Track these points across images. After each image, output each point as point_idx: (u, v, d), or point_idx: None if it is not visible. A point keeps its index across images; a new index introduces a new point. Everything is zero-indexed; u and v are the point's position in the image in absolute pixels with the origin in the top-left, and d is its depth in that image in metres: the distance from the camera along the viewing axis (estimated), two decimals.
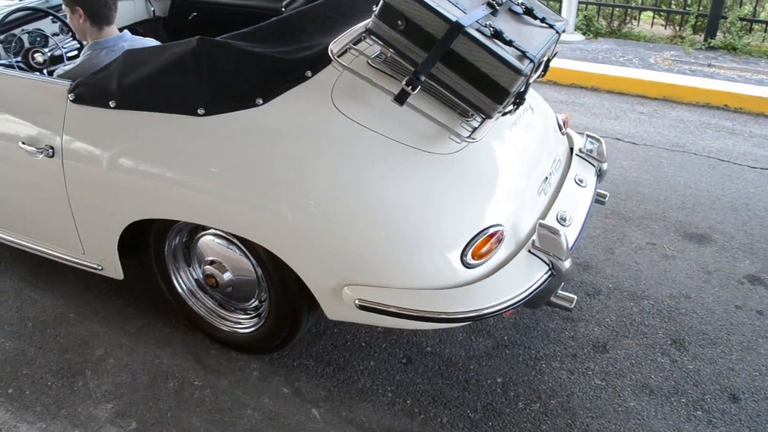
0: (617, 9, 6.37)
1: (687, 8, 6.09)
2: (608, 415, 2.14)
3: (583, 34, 6.26)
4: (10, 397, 2.23)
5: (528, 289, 1.98)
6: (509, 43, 1.95)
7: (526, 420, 2.13)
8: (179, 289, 2.39)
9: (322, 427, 2.11)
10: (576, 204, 2.37)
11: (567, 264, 2.03)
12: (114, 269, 2.39)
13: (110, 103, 2.13)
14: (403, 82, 1.91)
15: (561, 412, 2.16)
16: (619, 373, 2.31)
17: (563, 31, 2.38)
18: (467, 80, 1.95)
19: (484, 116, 2.00)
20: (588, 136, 2.72)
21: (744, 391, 2.23)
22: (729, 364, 2.34)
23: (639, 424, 2.11)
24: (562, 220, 2.24)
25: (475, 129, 2.01)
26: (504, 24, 2.10)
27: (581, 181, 2.49)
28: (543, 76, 2.42)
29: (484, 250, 1.96)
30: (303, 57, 2.09)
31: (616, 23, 6.46)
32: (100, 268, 2.43)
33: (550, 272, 2.03)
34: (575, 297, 2.12)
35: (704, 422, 2.11)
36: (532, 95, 2.66)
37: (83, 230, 2.34)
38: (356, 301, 1.93)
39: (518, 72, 1.88)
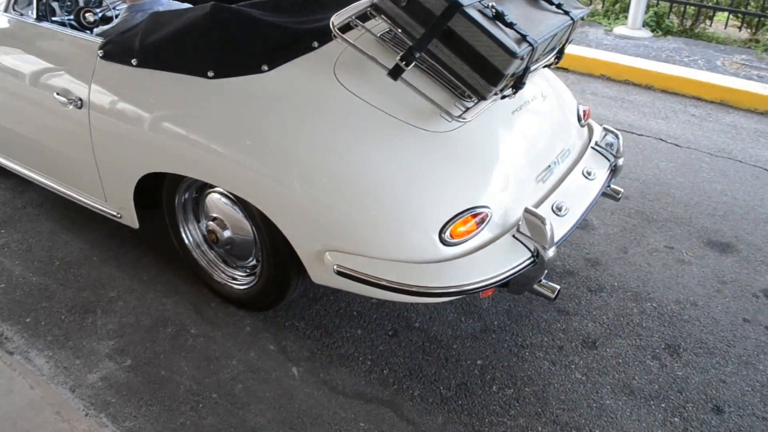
0: (690, 7, 6.08)
1: (765, 11, 5.74)
2: (581, 409, 2.13)
3: (652, 31, 6.03)
4: (26, 326, 2.44)
5: (504, 272, 2.00)
6: (510, 25, 1.96)
7: (496, 403, 2.15)
8: (186, 241, 2.53)
9: (298, 385, 2.20)
10: (578, 196, 2.35)
11: (550, 253, 2.03)
12: (130, 218, 2.56)
13: (132, 61, 2.27)
14: (398, 57, 1.95)
15: (533, 400, 2.16)
16: (603, 370, 2.28)
17: (581, 19, 2.35)
18: (463, 60, 1.97)
19: (478, 97, 2.02)
20: (605, 129, 2.67)
21: (730, 404, 2.16)
22: (721, 375, 2.27)
23: (610, 422, 2.09)
24: (557, 210, 2.23)
25: (467, 109, 2.03)
26: (511, 6, 2.10)
27: (589, 173, 2.45)
28: (556, 63, 2.40)
29: (463, 229, 1.98)
30: (312, 28, 2.16)
31: (688, 22, 6.17)
32: (119, 215, 2.60)
33: (532, 259, 2.04)
34: (558, 287, 2.11)
35: (680, 429, 2.07)
36: (549, 82, 2.63)
37: (105, 179, 2.51)
38: (335, 267, 2.00)
39: (513, 54, 1.89)
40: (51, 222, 3.06)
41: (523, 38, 1.97)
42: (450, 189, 2.02)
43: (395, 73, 1.98)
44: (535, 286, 2.13)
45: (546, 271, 2.09)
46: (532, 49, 1.97)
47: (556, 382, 2.24)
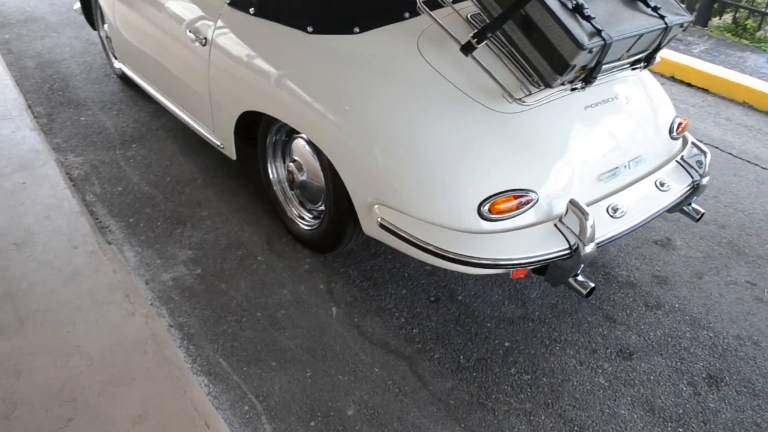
0: None
1: None
2: (591, 411, 2.12)
3: None
4: (128, 224, 2.85)
5: (536, 256, 2.04)
6: (587, 18, 1.98)
7: (508, 384, 2.20)
8: (271, 176, 2.80)
9: (333, 323, 2.39)
10: (642, 204, 2.30)
11: (588, 249, 2.04)
12: (230, 150, 2.88)
13: (251, 9, 2.55)
14: (470, 35, 2.05)
15: (546, 391, 2.19)
16: (630, 381, 2.24)
17: (681, 26, 2.27)
18: (534, 45, 2.03)
19: (544, 84, 2.06)
20: (694, 144, 2.55)
21: None
22: (757, 419, 2.14)
23: (618, 430, 2.06)
24: (612, 211, 2.21)
25: (530, 94, 2.08)
26: (600, 2, 2.10)
27: (663, 184, 2.38)
28: (645, 66, 2.35)
29: (503, 206, 2.05)
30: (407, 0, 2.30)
31: None
32: (222, 146, 2.93)
33: (568, 251, 2.06)
34: (593, 285, 2.11)
35: None
36: (643, 87, 2.56)
37: (215, 111, 2.84)
38: (379, 219, 2.16)
39: (580, 46, 1.92)
40: (174, 145, 3.48)
41: (598, 32, 1.97)
42: (499, 167, 2.09)
43: (467, 48, 2.08)
44: (570, 280, 2.15)
45: (582, 266, 2.10)
46: (604, 44, 1.98)
47: (576, 380, 2.23)
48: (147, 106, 3.86)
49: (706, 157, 2.50)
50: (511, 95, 2.07)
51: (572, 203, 2.07)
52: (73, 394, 1.96)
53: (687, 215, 2.59)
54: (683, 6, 2.33)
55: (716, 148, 3.80)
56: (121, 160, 3.32)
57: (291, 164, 2.65)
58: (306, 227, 2.71)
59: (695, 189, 2.48)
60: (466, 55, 2.09)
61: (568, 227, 2.09)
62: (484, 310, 2.51)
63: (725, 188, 3.40)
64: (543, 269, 2.19)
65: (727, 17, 5.73)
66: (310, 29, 2.38)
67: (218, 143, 2.95)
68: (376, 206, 2.18)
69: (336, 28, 2.35)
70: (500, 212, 2.06)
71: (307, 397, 2.11)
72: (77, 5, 4.25)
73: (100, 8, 3.87)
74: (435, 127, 2.12)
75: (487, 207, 2.04)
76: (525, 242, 2.07)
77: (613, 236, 2.18)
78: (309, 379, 2.17)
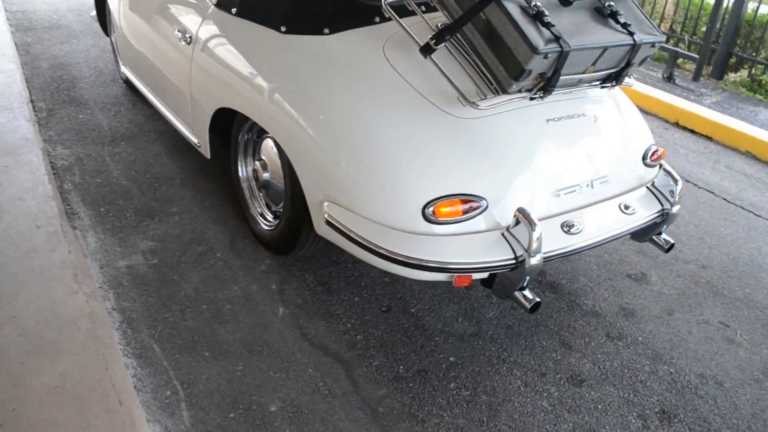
0: None
1: None
2: None
3: None
4: (98, 213, 2.88)
5: (479, 263, 1.98)
6: (547, 25, 1.97)
7: (445, 398, 2.11)
8: (239, 173, 2.81)
9: (277, 322, 2.35)
10: (602, 224, 2.24)
11: (533, 261, 1.98)
12: (205, 149, 2.90)
13: (233, 10, 2.61)
14: (429, 36, 2.05)
15: (484, 409, 2.09)
16: (575, 408, 2.13)
17: (652, 46, 2.24)
18: (492, 49, 2.02)
19: (500, 89, 2.05)
20: (666, 172, 2.48)
21: None
22: None
23: None
24: (567, 227, 2.15)
25: (485, 98, 2.06)
26: (566, 14, 2.10)
27: (627, 208, 2.31)
28: (614, 85, 2.31)
29: (446, 210, 2.01)
30: (379, 5, 2.33)
31: None
32: (198, 144, 2.97)
33: (513, 261, 2.00)
34: (537, 300, 2.04)
35: None
36: (617, 110, 2.52)
37: (193, 109, 2.89)
38: (326, 216, 2.13)
39: (534, 50, 1.91)
40: (162, 147, 3.54)
41: (556, 40, 1.96)
42: (450, 171, 2.06)
43: (425, 50, 2.09)
44: (516, 293, 2.08)
45: (528, 279, 2.03)
46: (561, 52, 1.96)
47: (518, 401, 2.13)
48: (145, 110, 3.94)
49: (677, 185, 2.43)
50: (465, 98, 2.06)
51: (520, 212, 2.02)
52: None
53: (656, 245, 2.51)
54: (656, 26, 2.31)
55: (710, 192, 3.70)
56: (107, 155, 3.37)
57: (257, 163, 2.66)
58: (267, 227, 2.69)
59: (664, 217, 2.41)
60: (425, 56, 2.10)
61: (515, 237, 2.04)
62: (435, 325, 2.43)
63: (713, 231, 3.28)
64: (490, 281, 2.12)
65: (744, 72, 5.66)
66: (283, 29, 2.42)
67: (195, 141, 2.98)
68: (326, 203, 2.16)
69: (307, 29, 2.38)
70: (445, 216, 2.01)
71: (233, 389, 2.05)
72: (93, 12, 4.42)
73: (111, 14, 4.02)
74: (390, 127, 2.11)
75: (431, 209, 2.00)
76: (469, 248, 2.02)
77: (564, 252, 2.12)
78: (239, 372, 2.12)
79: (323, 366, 2.18)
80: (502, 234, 2.05)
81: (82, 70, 4.46)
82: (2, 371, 1.92)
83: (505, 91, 2.07)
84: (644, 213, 2.37)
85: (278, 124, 2.31)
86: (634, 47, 2.20)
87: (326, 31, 2.36)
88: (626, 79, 2.42)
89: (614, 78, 2.29)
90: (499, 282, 2.10)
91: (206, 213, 2.96)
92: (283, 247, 2.60)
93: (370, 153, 2.09)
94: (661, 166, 2.57)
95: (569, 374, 2.27)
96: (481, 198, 2.05)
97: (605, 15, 2.22)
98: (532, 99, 2.13)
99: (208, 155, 2.92)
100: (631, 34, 2.19)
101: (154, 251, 2.66)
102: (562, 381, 2.24)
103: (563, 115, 2.29)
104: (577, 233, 2.16)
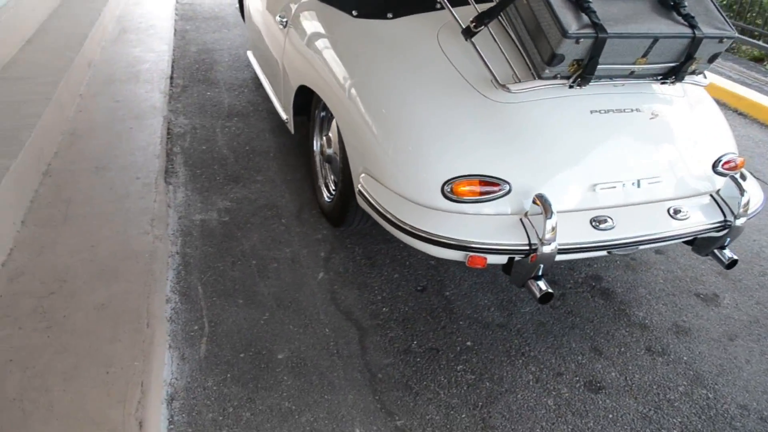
0: None
1: None
2: (521, 426, 1.97)
3: None
4: (194, 174, 3.24)
5: (490, 244, 1.98)
6: (586, 9, 1.93)
7: (447, 378, 2.13)
8: (314, 147, 3.01)
9: (313, 285, 2.50)
10: (641, 226, 2.11)
11: (545, 249, 1.95)
12: (290, 124, 3.15)
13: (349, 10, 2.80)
14: (471, 19, 2.10)
15: (483, 395, 2.07)
16: (581, 412, 2.03)
17: (719, 41, 2.09)
18: (529, 33, 2.03)
19: (535, 72, 2.04)
20: (734, 181, 2.26)
21: None
22: None
23: None
24: (597, 222, 2.06)
25: (518, 82, 2.05)
26: (623, 3, 2.04)
27: (677, 212, 2.16)
28: (672, 81, 2.18)
29: (465, 189, 2.03)
30: None
31: None
32: (286, 120, 3.22)
33: (526, 247, 1.97)
34: (549, 291, 1.99)
35: None
36: (688, 110, 2.35)
37: (284, 87, 3.15)
38: (359, 187, 2.25)
39: (563, 33, 1.89)
40: (268, 125, 3.86)
41: (594, 25, 1.91)
42: (475, 151, 2.08)
43: (467, 33, 2.13)
44: (529, 282, 2.04)
45: (542, 267, 1.99)
46: (595, 38, 1.90)
47: (522, 395, 2.08)
48: (264, 92, 4.32)
49: (743, 197, 2.21)
50: (497, 80, 2.06)
51: (539, 198, 1.98)
52: (68, 276, 2.31)
53: (718, 260, 2.30)
54: (729, 21, 2.13)
55: None
56: (218, 127, 3.76)
57: (324, 138, 2.84)
58: (327, 199, 2.86)
59: (726, 230, 2.21)
60: (466, 38, 2.14)
61: (532, 224, 2.01)
62: (465, 310, 2.44)
63: None
64: (509, 267, 2.10)
65: None
66: (354, 13, 2.57)
67: (284, 117, 3.24)
68: (362, 175, 2.27)
69: (374, 13, 2.52)
70: (462, 194, 2.04)
71: (252, 334, 2.24)
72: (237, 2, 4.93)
73: (244, 3, 4.46)
74: (423, 103, 2.18)
75: (450, 187, 2.04)
76: (484, 229, 2.02)
77: (587, 246, 2.03)
78: (263, 321, 2.30)
79: (340, 329, 2.29)
80: (521, 219, 2.03)
81: (223, 55, 4.98)
82: (67, 285, 2.27)
83: (539, 76, 2.05)
84: (699, 221, 2.18)
85: (335, 98, 2.46)
86: (694, 40, 2.05)
87: (390, 15, 2.48)
88: (695, 77, 2.26)
89: (674, 73, 2.15)
90: (516, 268, 2.07)
91: (285, 184, 3.21)
92: (336, 219, 2.75)
93: (401, 126, 2.17)
94: (737, 175, 2.34)
95: (589, 379, 2.17)
96: (504, 181, 2.04)
97: (668, 6, 2.10)
98: (570, 87, 2.08)
99: (292, 130, 3.16)
100: (692, 26, 2.05)
101: (228, 210, 2.95)
102: (578, 384, 2.14)
103: (612, 108, 2.19)
104: (608, 230, 2.06)
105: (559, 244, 1.99)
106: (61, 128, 3.35)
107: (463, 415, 2.00)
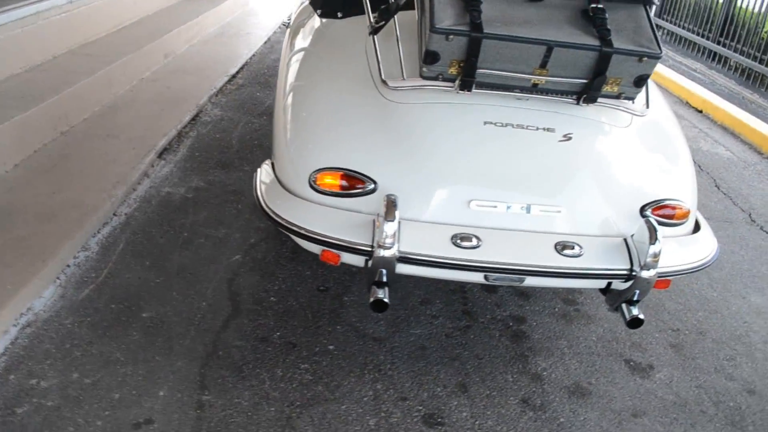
0: None
1: None
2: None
3: None
4: (192, 156, 3.46)
5: (332, 238, 1.91)
6: (473, 9, 1.84)
7: (285, 371, 2.08)
8: None
9: (222, 264, 2.57)
10: (516, 253, 1.90)
11: (382, 253, 1.84)
12: None
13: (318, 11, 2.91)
14: (372, 18, 2.11)
15: (307, 396, 1.99)
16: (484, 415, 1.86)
17: (639, 60, 1.88)
18: (421, 28, 1.98)
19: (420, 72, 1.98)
20: (648, 224, 1.91)
21: None
22: None
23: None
24: (459, 240, 1.90)
25: (403, 80, 2.00)
26: (532, 8, 1.93)
27: (565, 248, 1.91)
28: (586, 100, 1.96)
29: (326, 181, 1.99)
30: None
31: None
32: None
33: (368, 248, 1.88)
34: (380, 298, 1.86)
35: None
36: (627, 139, 2.11)
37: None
38: (255, 175, 2.28)
39: (431, 27, 1.83)
40: None
41: (475, 26, 1.81)
42: (347, 146, 2.03)
43: (371, 29, 2.12)
44: (372, 286, 1.93)
45: (384, 272, 1.87)
46: (469, 37, 1.80)
47: (348, 407, 1.96)
48: None
49: (651, 245, 1.89)
50: (381, 76, 2.03)
51: (387, 199, 1.87)
52: (13, 211, 2.59)
53: (622, 315, 1.99)
54: (659, 41, 1.89)
55: None
56: (243, 122, 3.99)
57: None
58: None
59: (631, 281, 1.91)
60: (369, 34, 2.13)
61: (381, 226, 1.90)
62: (351, 318, 2.35)
63: None
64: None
65: None
66: (319, 12, 2.66)
67: None
68: (264, 163, 2.30)
69: (330, 12, 2.60)
70: (324, 186, 2.00)
71: (135, 291, 2.35)
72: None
73: None
74: (326, 97, 2.20)
75: (315, 177, 2.00)
76: (335, 223, 1.95)
77: (441, 261, 1.87)
78: (153, 283, 2.41)
79: (217, 305, 2.32)
80: (373, 220, 1.93)
81: None
82: (7, 220, 2.54)
83: (421, 74, 1.97)
84: (595, 264, 1.92)
85: (279, 91, 2.54)
86: (601, 55, 1.85)
87: (339, 15, 2.52)
88: (627, 103, 2.02)
89: (585, 93, 1.94)
90: (365, 270, 1.97)
91: None
92: None
93: (299, 117, 2.18)
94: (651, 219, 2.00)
95: (433, 412, 1.98)
96: (370, 179, 1.96)
97: (586, 17, 1.92)
98: (459, 92, 1.96)
99: None
100: (604, 38, 1.85)
101: (198, 189, 3.11)
102: (417, 414, 1.96)
103: (513, 122, 2.01)
104: (469, 249, 1.88)
105: (407, 254, 1.86)
106: (101, 101, 3.77)
107: (272, 409, 1.92)
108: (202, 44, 5.32)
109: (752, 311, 2.65)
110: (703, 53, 6.53)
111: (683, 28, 6.94)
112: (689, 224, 2.15)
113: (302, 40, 2.67)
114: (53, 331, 2.12)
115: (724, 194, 3.72)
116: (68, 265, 2.42)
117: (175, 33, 4.86)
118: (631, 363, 2.28)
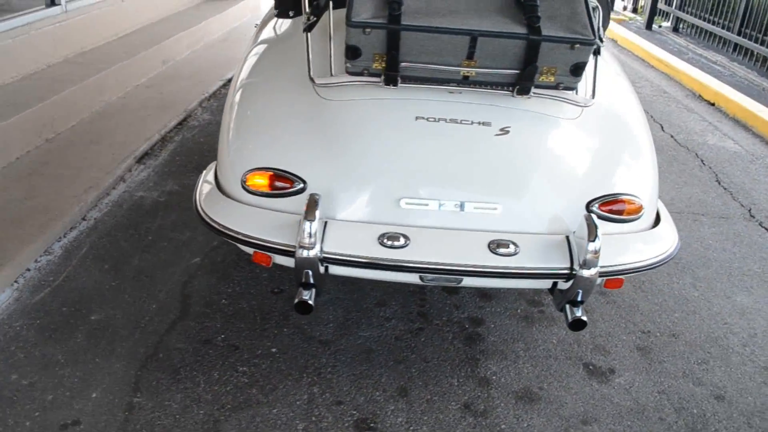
0: None
1: None
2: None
3: None
4: (172, 160, 3.48)
5: (256, 239, 1.88)
6: (392, 2, 1.79)
7: (222, 374, 2.05)
8: None
9: (180, 267, 2.56)
10: (447, 252, 1.82)
11: (301, 253, 1.79)
12: None
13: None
14: (304, 16, 2.08)
15: (240, 399, 1.96)
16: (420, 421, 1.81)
17: (571, 47, 1.80)
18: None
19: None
20: (587, 220, 1.80)
21: None
22: None
23: None
24: (387, 239, 1.83)
25: (331, 76, 1.97)
26: None
27: (499, 247, 1.83)
28: (520, 92, 1.88)
29: (256, 181, 1.96)
30: None
31: None
32: None
33: (290, 248, 1.84)
34: (304, 300, 1.82)
35: None
36: (568, 131, 2.02)
37: None
38: (199, 178, 2.26)
39: (347, 20, 1.79)
40: None
41: (393, 18, 1.76)
42: (277, 145, 2.00)
43: (305, 26, 2.09)
44: (300, 288, 1.88)
45: (310, 274, 1.82)
46: (386, 29, 1.75)
47: (279, 411, 1.92)
48: None
49: (591, 242, 1.78)
50: (309, 74, 1.99)
51: (310, 198, 1.82)
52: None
53: (565, 316, 1.89)
54: (595, 28, 1.79)
55: None
56: None
57: None
58: None
59: (571, 280, 1.82)
60: (303, 31, 2.09)
61: (305, 227, 1.85)
62: (300, 320, 2.30)
63: None
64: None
65: None
66: (275, 11, 2.64)
67: None
68: (210, 165, 2.28)
69: (282, 12, 2.58)
70: (254, 186, 1.96)
71: (89, 294, 2.36)
72: None
73: None
74: (264, 96, 2.18)
75: (245, 177, 1.97)
76: (261, 223, 1.91)
77: (366, 260, 1.81)
78: (108, 286, 2.42)
79: (167, 307, 2.31)
80: (300, 220, 1.88)
81: None
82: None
83: (346, 70, 1.92)
84: (532, 263, 1.83)
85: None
86: (530, 43, 1.77)
87: (291, 14, 2.50)
88: (566, 93, 1.93)
89: (518, 84, 1.86)
90: (293, 271, 1.92)
91: None
92: None
93: (237, 113, 2.15)
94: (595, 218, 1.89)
95: (367, 417, 1.92)
96: (299, 179, 1.92)
97: (517, 5, 1.84)
98: (385, 86, 1.91)
99: None
100: (532, 27, 1.77)
101: (171, 193, 3.12)
102: (350, 418, 1.91)
103: (446, 117, 1.94)
104: (397, 248, 1.82)
105: (331, 254, 1.81)
106: (91, 108, 3.83)
107: (201, 412, 1.89)
108: (204, 49, 5.38)
109: (735, 312, 2.50)
110: (724, 45, 6.27)
111: (704, 20, 6.68)
112: (646, 219, 2.03)
113: (259, 39, 2.66)
114: (1, 334, 2.14)
115: (725, 189, 3.53)
116: (28, 269, 2.46)
117: (175, 39, 4.92)
118: (590, 367, 2.16)
